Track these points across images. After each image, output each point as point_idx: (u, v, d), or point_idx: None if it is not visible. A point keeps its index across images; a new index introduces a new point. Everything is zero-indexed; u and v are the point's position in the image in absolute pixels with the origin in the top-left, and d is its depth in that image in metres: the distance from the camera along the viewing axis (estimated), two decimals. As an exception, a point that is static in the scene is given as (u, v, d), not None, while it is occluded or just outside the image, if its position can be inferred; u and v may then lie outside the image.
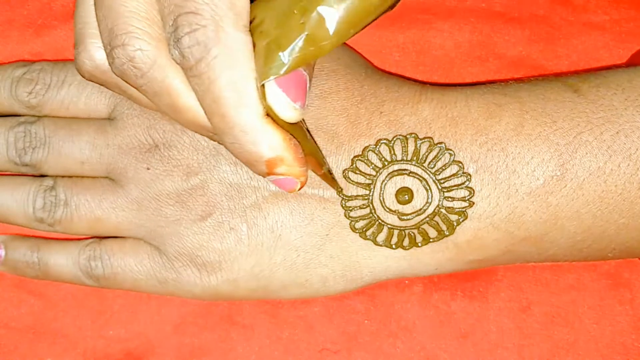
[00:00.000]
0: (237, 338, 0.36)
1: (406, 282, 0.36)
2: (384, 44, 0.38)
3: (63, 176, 0.35)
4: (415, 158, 0.32)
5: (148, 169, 0.33)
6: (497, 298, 0.36)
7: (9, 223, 0.36)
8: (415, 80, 0.37)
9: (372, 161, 0.32)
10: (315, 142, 0.32)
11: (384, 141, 0.32)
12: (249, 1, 0.27)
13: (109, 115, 0.35)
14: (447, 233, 0.32)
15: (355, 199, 0.32)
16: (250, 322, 0.36)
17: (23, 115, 0.36)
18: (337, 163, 0.32)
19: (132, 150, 0.34)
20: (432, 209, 0.32)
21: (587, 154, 0.31)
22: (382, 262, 0.33)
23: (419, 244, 0.32)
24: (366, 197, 0.32)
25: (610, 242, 0.33)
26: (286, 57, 0.27)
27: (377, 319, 0.36)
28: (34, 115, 0.35)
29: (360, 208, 0.32)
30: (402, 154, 0.32)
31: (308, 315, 0.36)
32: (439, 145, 0.32)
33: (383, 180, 0.32)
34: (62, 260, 0.35)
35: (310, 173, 0.32)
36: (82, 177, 0.35)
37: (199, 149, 0.33)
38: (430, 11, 0.38)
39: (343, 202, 0.32)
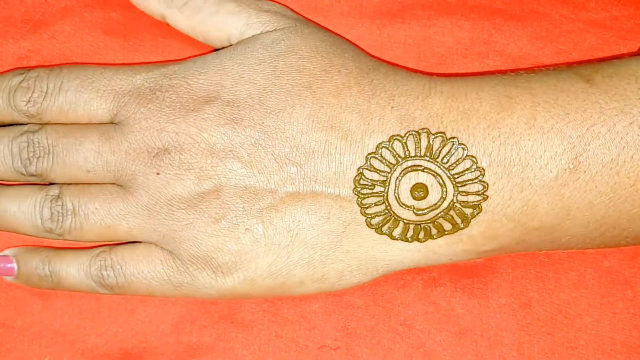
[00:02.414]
0: (236, 336, 0.36)
1: (407, 278, 0.36)
2: (384, 40, 0.37)
3: (70, 184, 0.34)
4: (428, 154, 0.32)
5: (158, 174, 0.33)
6: (497, 295, 0.36)
7: (20, 233, 0.35)
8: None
9: (386, 158, 0.32)
10: None
11: (397, 137, 0.32)
12: None
13: (112, 119, 0.34)
14: (462, 226, 0.32)
15: (371, 196, 0.32)
16: (250, 320, 0.36)
17: (25, 124, 0.35)
18: (352, 160, 0.32)
19: (140, 155, 0.33)
20: (447, 204, 0.32)
21: (600, 146, 0.31)
22: (398, 254, 0.33)
23: (434, 237, 0.33)
24: (381, 194, 0.32)
25: (623, 230, 0.33)
26: None
27: (376, 315, 0.36)
28: (36, 124, 0.35)
29: (376, 205, 0.32)
30: (416, 149, 0.32)
31: (307, 312, 0.36)
32: (452, 140, 0.32)
33: (397, 177, 0.32)
34: (74, 272, 0.35)
35: (327, 173, 0.32)
36: (90, 184, 0.34)
37: (214, 152, 0.32)
38: (431, 8, 0.38)
39: (359, 199, 0.32)
